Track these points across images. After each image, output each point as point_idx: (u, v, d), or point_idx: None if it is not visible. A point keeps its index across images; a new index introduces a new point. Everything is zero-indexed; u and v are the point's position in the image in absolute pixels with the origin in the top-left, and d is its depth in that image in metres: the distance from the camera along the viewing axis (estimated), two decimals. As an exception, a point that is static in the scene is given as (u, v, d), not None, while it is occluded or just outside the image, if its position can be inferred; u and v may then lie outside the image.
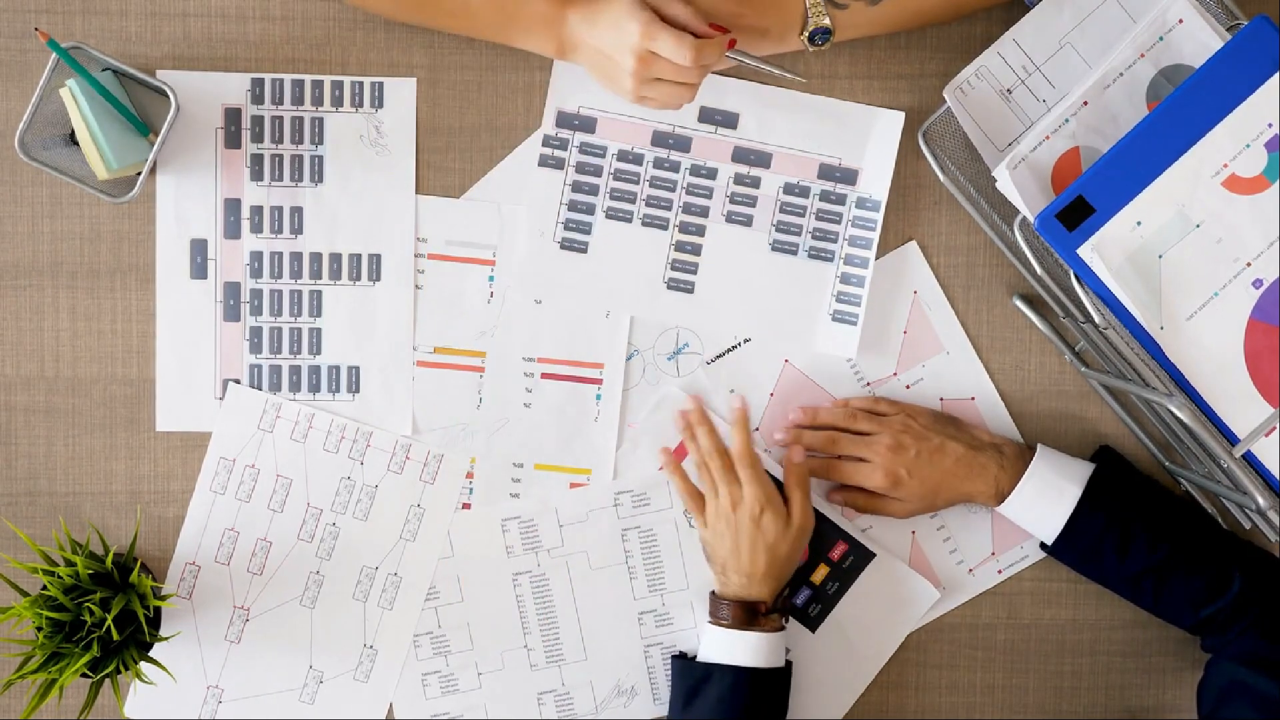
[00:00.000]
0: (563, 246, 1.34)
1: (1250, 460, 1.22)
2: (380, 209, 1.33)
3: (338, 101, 1.33)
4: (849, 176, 1.33)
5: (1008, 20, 1.28)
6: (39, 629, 1.22)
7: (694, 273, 1.34)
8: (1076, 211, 1.19)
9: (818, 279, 1.34)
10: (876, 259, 1.33)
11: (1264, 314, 1.20)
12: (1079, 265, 1.20)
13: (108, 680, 1.24)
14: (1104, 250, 1.19)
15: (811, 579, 1.35)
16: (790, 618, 1.35)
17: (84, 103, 1.24)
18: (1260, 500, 1.19)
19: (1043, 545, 1.33)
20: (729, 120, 1.33)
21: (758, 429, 1.35)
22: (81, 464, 1.34)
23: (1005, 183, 1.23)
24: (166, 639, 1.30)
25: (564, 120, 1.33)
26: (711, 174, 1.33)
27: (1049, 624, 1.37)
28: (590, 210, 1.33)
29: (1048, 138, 1.22)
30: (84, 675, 1.22)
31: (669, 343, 1.35)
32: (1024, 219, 1.24)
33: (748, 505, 1.28)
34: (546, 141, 1.33)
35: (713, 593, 1.32)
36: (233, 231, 1.33)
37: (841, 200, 1.34)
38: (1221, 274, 1.20)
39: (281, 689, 1.35)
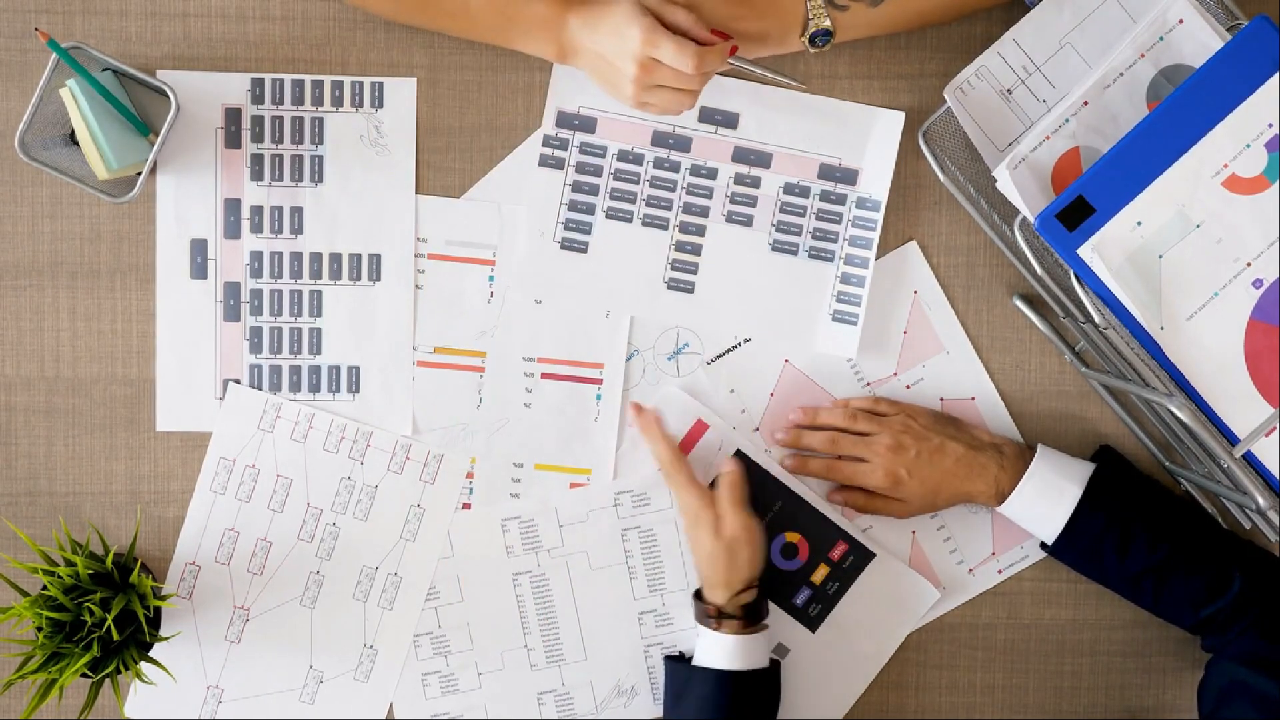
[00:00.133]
0: (563, 246, 1.34)
1: (1250, 460, 1.22)
2: (380, 209, 1.33)
3: (338, 101, 1.33)
4: (849, 176, 1.33)
5: (1008, 20, 1.28)
6: (39, 629, 1.22)
7: (694, 273, 1.34)
8: (1076, 211, 1.19)
9: (818, 279, 1.34)
10: (876, 259, 1.33)
11: (1264, 314, 1.20)
12: (1079, 265, 1.20)
13: (108, 680, 1.24)
14: (1104, 250, 1.19)
15: (812, 579, 1.35)
16: (793, 618, 1.35)
17: (84, 103, 1.24)
18: (1260, 500, 1.19)
19: (1043, 545, 1.33)
20: (729, 120, 1.33)
21: (758, 429, 1.35)
22: (81, 464, 1.34)
23: (1005, 183, 1.23)
24: (166, 639, 1.30)
25: (564, 120, 1.33)
26: (712, 174, 1.33)
27: (1049, 624, 1.37)
28: (590, 210, 1.33)
29: (1048, 138, 1.22)
30: (84, 675, 1.22)
31: (669, 343, 1.35)
32: (1024, 219, 1.24)
33: (683, 516, 1.31)
34: (547, 141, 1.33)
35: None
36: (233, 231, 1.33)
37: (842, 200, 1.34)
38: (1221, 274, 1.20)
39: (281, 689, 1.35)
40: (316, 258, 1.34)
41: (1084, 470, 1.29)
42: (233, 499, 1.34)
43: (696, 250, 1.34)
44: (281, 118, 1.33)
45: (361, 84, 1.33)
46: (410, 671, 1.35)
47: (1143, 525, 1.27)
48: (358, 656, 1.35)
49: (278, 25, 1.32)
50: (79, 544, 1.25)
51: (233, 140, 1.33)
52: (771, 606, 1.35)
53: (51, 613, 1.20)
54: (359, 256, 1.34)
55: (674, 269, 1.34)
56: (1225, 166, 1.18)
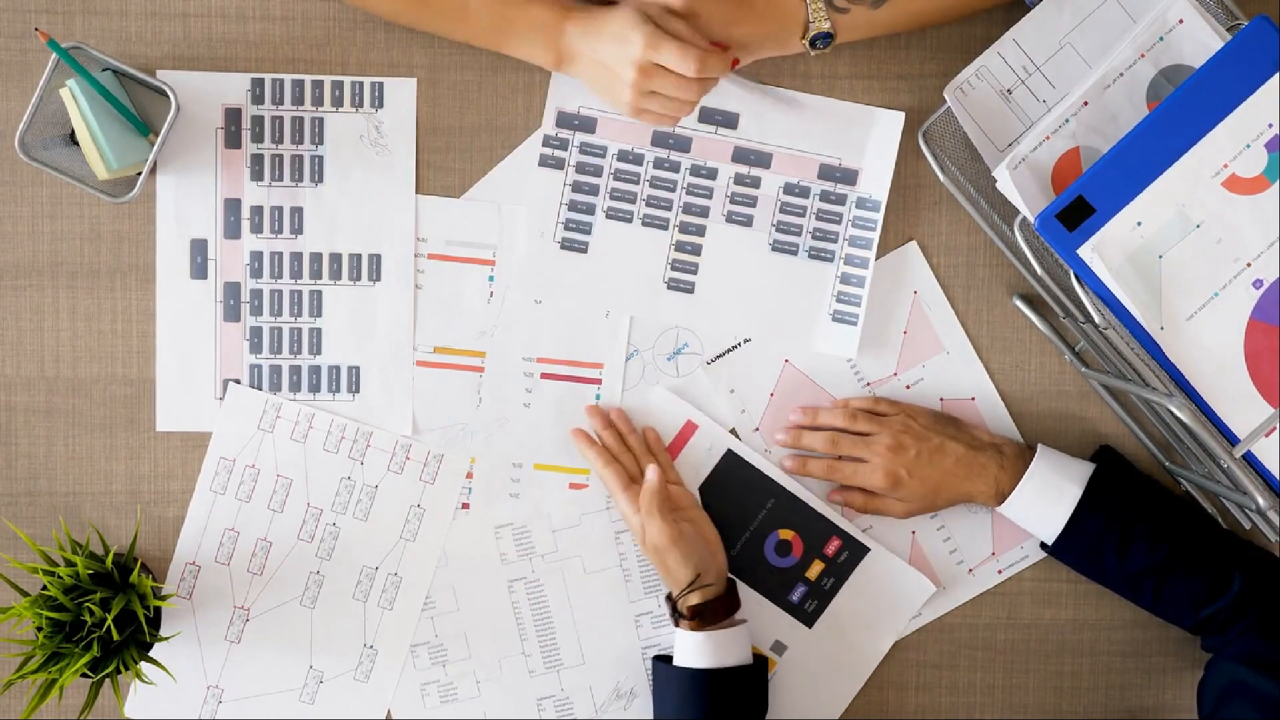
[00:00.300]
0: (563, 246, 1.34)
1: (1250, 460, 1.22)
2: (380, 209, 1.33)
3: (338, 101, 1.33)
4: (849, 176, 1.33)
5: (1008, 20, 1.28)
6: (39, 629, 1.22)
7: (694, 273, 1.34)
8: (1076, 211, 1.18)
9: (818, 279, 1.34)
10: (876, 259, 1.33)
11: (1264, 314, 1.20)
12: (1079, 265, 1.19)
13: (108, 680, 1.24)
14: (1104, 250, 1.19)
15: (807, 575, 1.35)
16: (789, 615, 1.35)
17: (84, 103, 1.24)
18: (1260, 500, 1.19)
19: (1043, 545, 1.33)
20: (729, 120, 1.33)
21: (758, 429, 1.35)
22: (81, 464, 1.34)
23: (1005, 183, 1.23)
24: (166, 639, 1.30)
25: (564, 120, 1.33)
26: (711, 174, 1.33)
27: (1049, 624, 1.37)
28: (590, 210, 1.33)
29: (1048, 138, 1.22)
30: (84, 675, 1.22)
31: (669, 343, 1.35)
32: (1024, 219, 1.24)
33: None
34: (546, 141, 1.33)
35: None
36: (233, 231, 1.33)
37: (841, 200, 1.34)
38: (1221, 274, 1.20)
39: (281, 689, 1.35)
40: (316, 258, 1.34)
41: (1084, 470, 1.29)
42: (233, 499, 1.34)
43: (696, 250, 1.34)
44: (281, 118, 1.33)
45: (361, 84, 1.33)
46: (408, 681, 1.35)
47: (1143, 525, 1.27)
48: (358, 656, 1.35)
49: (278, 25, 1.32)
50: (79, 544, 1.25)
51: (233, 140, 1.33)
52: (767, 604, 1.35)
53: (51, 613, 1.20)
54: (359, 256, 1.34)
55: (674, 269, 1.34)
56: (1225, 166, 1.18)
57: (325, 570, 1.35)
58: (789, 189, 1.33)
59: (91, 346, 1.34)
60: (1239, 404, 1.21)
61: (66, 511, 1.34)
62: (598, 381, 1.34)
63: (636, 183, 1.33)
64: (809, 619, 1.36)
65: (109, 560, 1.23)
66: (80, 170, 1.27)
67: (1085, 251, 1.19)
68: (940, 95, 1.28)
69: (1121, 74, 1.22)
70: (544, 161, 1.33)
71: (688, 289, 1.34)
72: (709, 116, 1.33)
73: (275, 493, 1.34)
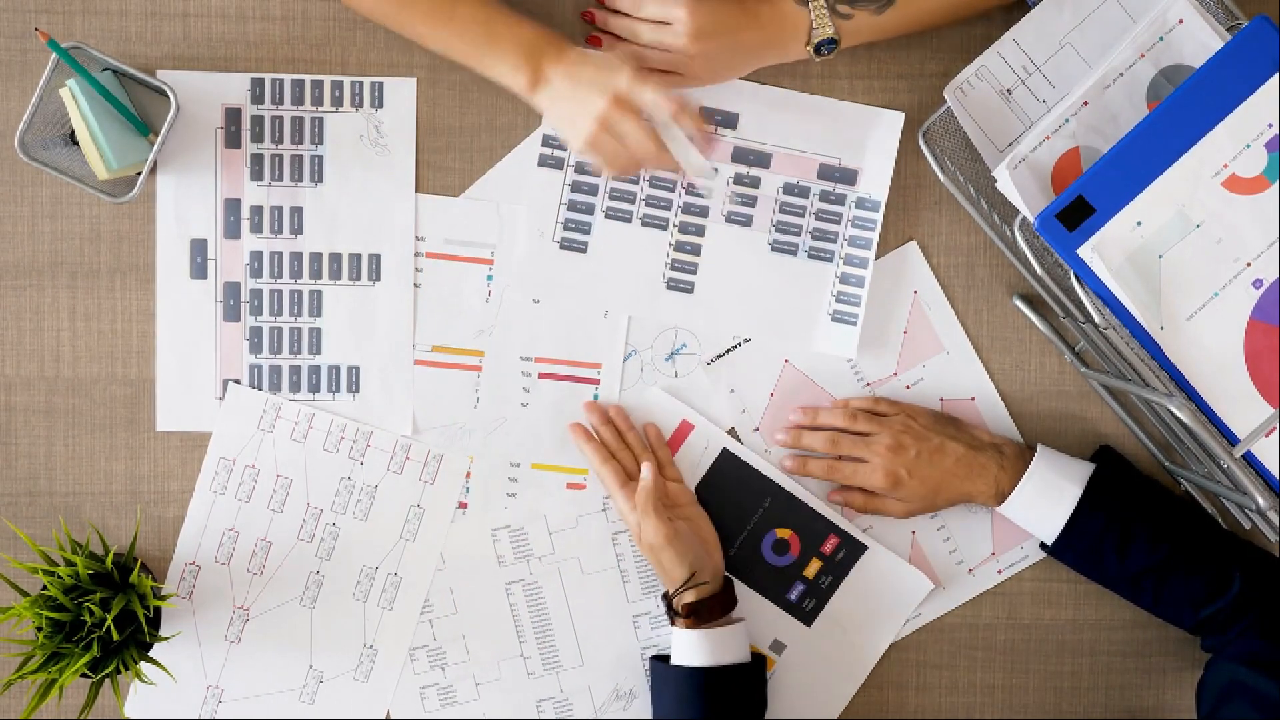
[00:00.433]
0: (562, 246, 1.34)
1: (1250, 460, 1.22)
2: (380, 209, 1.33)
3: (338, 101, 1.33)
4: (849, 176, 1.33)
5: (1008, 20, 1.28)
6: (39, 629, 1.22)
7: (693, 273, 1.34)
8: (1076, 211, 1.18)
9: (817, 279, 1.34)
10: (876, 259, 1.33)
11: (1264, 314, 1.20)
12: (1079, 265, 1.19)
13: (108, 680, 1.24)
14: (1104, 250, 1.19)
15: (804, 574, 1.35)
16: (787, 613, 1.35)
17: (84, 103, 1.24)
18: (1260, 500, 1.19)
19: (1043, 545, 1.33)
20: (729, 120, 1.33)
21: (758, 429, 1.35)
22: (81, 464, 1.34)
23: (1005, 183, 1.23)
24: (166, 639, 1.30)
25: (564, 120, 1.33)
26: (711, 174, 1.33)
27: (1049, 624, 1.37)
28: (590, 210, 1.33)
29: (1048, 138, 1.22)
30: (84, 675, 1.22)
31: (667, 343, 1.35)
32: (1024, 219, 1.24)
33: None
34: (546, 141, 1.33)
35: None
36: (233, 231, 1.33)
37: (841, 200, 1.34)
38: (1221, 274, 1.20)
39: (281, 689, 1.35)
40: (316, 258, 1.34)
41: (1084, 470, 1.29)
42: (233, 499, 1.34)
43: (696, 250, 1.34)
44: (281, 118, 1.33)
45: (361, 84, 1.33)
46: (408, 685, 1.35)
47: (1143, 525, 1.27)
48: (357, 656, 1.35)
49: (278, 25, 1.32)
50: (79, 544, 1.25)
51: (233, 140, 1.33)
52: (765, 603, 1.35)
53: (51, 613, 1.20)
54: (359, 256, 1.34)
55: (673, 269, 1.34)
56: (1225, 166, 1.18)
57: (325, 570, 1.35)
58: (788, 189, 1.33)
59: (91, 346, 1.34)
60: (1239, 404, 1.21)
61: (66, 511, 1.34)
62: (596, 381, 1.34)
63: (636, 182, 1.33)
64: (807, 618, 1.36)
65: (109, 560, 1.24)
66: (80, 170, 1.28)
67: (1085, 251, 1.19)
68: (940, 95, 1.28)
69: (1121, 74, 1.22)
70: (543, 161, 1.33)
71: (687, 289, 1.34)
72: (709, 116, 1.33)
73: (275, 493, 1.34)
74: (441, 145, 1.33)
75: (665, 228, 1.34)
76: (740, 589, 1.35)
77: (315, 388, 1.34)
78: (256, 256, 1.34)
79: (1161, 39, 1.21)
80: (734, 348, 1.35)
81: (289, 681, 1.35)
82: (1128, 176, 1.18)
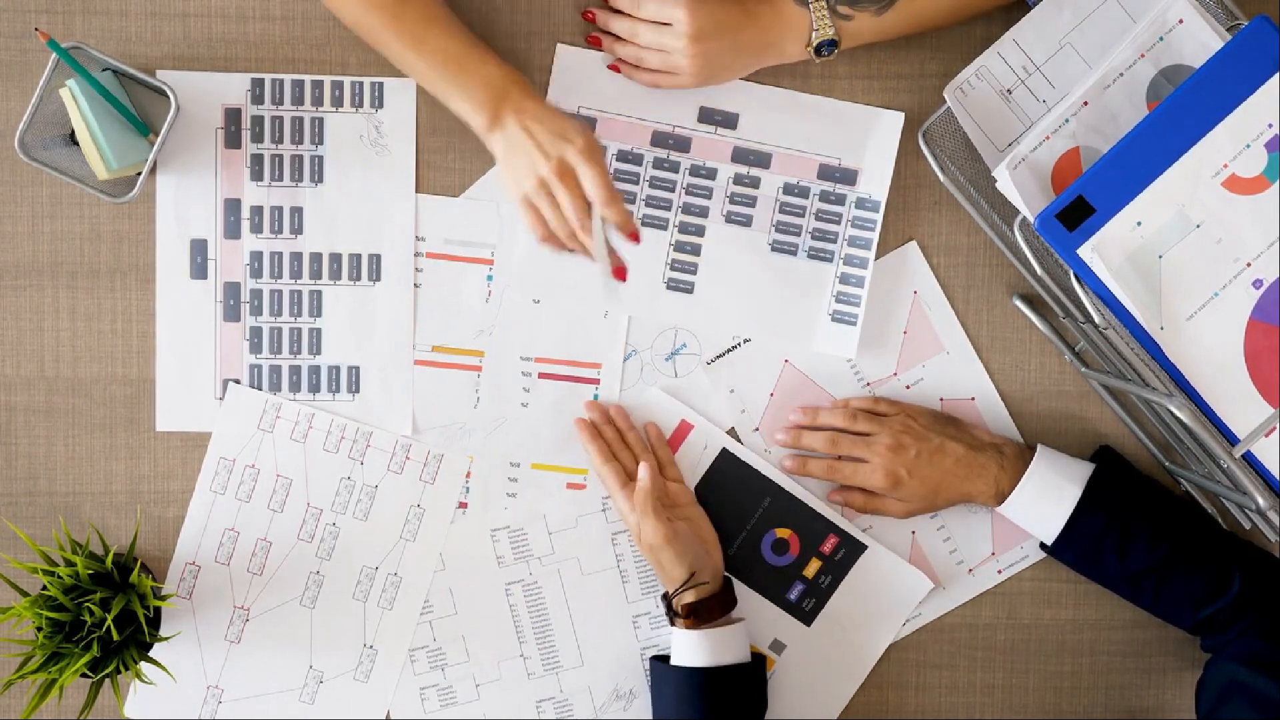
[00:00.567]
0: (562, 246, 1.34)
1: (1250, 460, 1.22)
2: (380, 209, 1.33)
3: (338, 101, 1.33)
4: (849, 177, 1.33)
5: (1008, 21, 1.28)
6: (39, 629, 1.22)
7: (693, 273, 1.34)
8: (1076, 211, 1.18)
9: (817, 279, 1.34)
10: (876, 259, 1.33)
11: (1264, 314, 1.20)
12: (1079, 265, 1.19)
13: (108, 680, 1.24)
14: (1104, 250, 1.19)
15: (804, 573, 1.35)
16: (787, 613, 1.35)
17: (84, 103, 1.24)
18: (1260, 500, 1.19)
19: (1043, 545, 1.32)
20: (729, 120, 1.33)
21: (758, 429, 1.35)
22: (81, 464, 1.34)
23: (1005, 183, 1.23)
24: (166, 639, 1.30)
25: (564, 120, 1.33)
26: (711, 174, 1.33)
27: (1049, 624, 1.37)
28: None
29: (1048, 138, 1.22)
30: (84, 675, 1.22)
31: (667, 343, 1.35)
32: (1024, 219, 1.24)
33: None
34: (546, 141, 1.33)
35: None
36: (233, 231, 1.33)
37: (841, 200, 1.33)
38: (1221, 274, 1.20)
39: (281, 689, 1.35)
40: (316, 258, 1.34)
41: (1084, 470, 1.29)
42: (233, 499, 1.34)
43: (696, 250, 1.34)
44: (281, 118, 1.33)
45: (361, 84, 1.33)
46: (408, 685, 1.35)
47: (1142, 525, 1.27)
48: (357, 656, 1.35)
49: (278, 25, 1.32)
50: (79, 544, 1.25)
51: (233, 140, 1.33)
52: (765, 602, 1.35)
53: (51, 613, 1.20)
54: (359, 256, 1.34)
55: (673, 269, 1.34)
56: (1225, 166, 1.18)
57: (325, 570, 1.35)
58: (788, 189, 1.33)
59: (91, 346, 1.34)
60: (1239, 404, 1.21)
61: (66, 511, 1.34)
62: (596, 381, 1.34)
63: (636, 182, 1.33)
64: (807, 617, 1.36)
65: (109, 560, 1.24)
66: (80, 170, 1.28)
67: (1085, 251, 1.19)
68: (940, 95, 1.28)
69: (1121, 74, 1.22)
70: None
71: (687, 289, 1.34)
72: (709, 116, 1.33)
73: (275, 493, 1.34)
74: (441, 145, 1.34)
75: (665, 228, 1.34)
76: (740, 589, 1.35)
77: (315, 388, 1.34)
78: (256, 256, 1.34)
79: (1161, 39, 1.21)
80: (734, 348, 1.35)
81: (289, 681, 1.35)
82: (1128, 176, 1.18)
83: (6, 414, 1.34)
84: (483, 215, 1.34)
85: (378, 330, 1.34)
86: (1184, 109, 1.17)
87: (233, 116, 1.33)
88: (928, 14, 1.27)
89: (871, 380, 1.35)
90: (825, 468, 1.33)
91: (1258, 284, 1.20)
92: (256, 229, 1.33)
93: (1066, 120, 1.22)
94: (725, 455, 1.35)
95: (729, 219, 1.34)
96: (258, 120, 1.33)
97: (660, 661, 1.31)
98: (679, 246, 1.34)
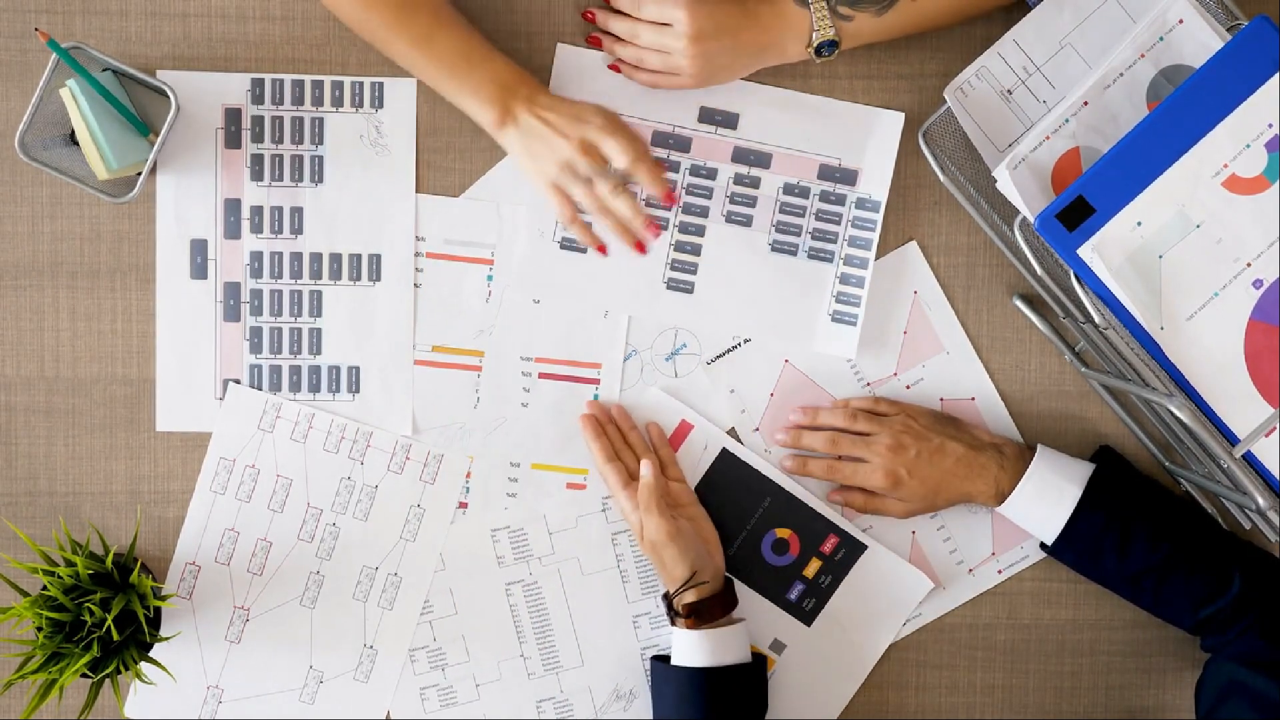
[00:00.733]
0: (562, 246, 1.34)
1: (1250, 460, 1.22)
2: (380, 209, 1.33)
3: (338, 101, 1.33)
4: (849, 177, 1.33)
5: (1008, 21, 1.28)
6: (39, 629, 1.22)
7: (693, 273, 1.34)
8: (1076, 211, 1.18)
9: (817, 279, 1.34)
10: (876, 259, 1.33)
11: (1264, 314, 1.20)
12: (1079, 265, 1.19)
13: (108, 680, 1.24)
14: (1104, 250, 1.19)
15: (804, 573, 1.35)
16: (787, 613, 1.35)
17: (84, 103, 1.24)
18: (1260, 500, 1.19)
19: (1043, 545, 1.33)
20: (729, 120, 1.33)
21: (758, 429, 1.35)
22: (81, 464, 1.34)
23: (1005, 183, 1.23)
24: (166, 639, 1.30)
25: (564, 120, 1.33)
26: (711, 174, 1.33)
27: (1049, 624, 1.37)
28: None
29: (1048, 138, 1.22)
30: (84, 675, 1.22)
31: (667, 343, 1.35)
32: (1024, 219, 1.24)
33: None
34: (546, 141, 1.33)
35: None
36: (233, 231, 1.33)
37: (841, 200, 1.33)
38: (1221, 274, 1.20)
39: (281, 689, 1.35)
40: (316, 258, 1.34)
41: (1084, 470, 1.29)
42: (233, 499, 1.34)
43: (696, 250, 1.34)
44: (281, 118, 1.33)
45: (361, 84, 1.33)
46: (408, 685, 1.35)
47: (1143, 525, 1.27)
48: (358, 656, 1.35)
49: (278, 25, 1.32)
50: (79, 544, 1.25)
51: (233, 140, 1.33)
52: (765, 602, 1.35)
53: (51, 613, 1.20)
54: (359, 256, 1.34)
55: (673, 269, 1.34)
56: (1225, 166, 1.18)
57: (325, 570, 1.35)
58: (789, 189, 1.33)
59: (91, 346, 1.34)
60: (1239, 404, 1.21)
61: (66, 511, 1.34)
62: (596, 381, 1.34)
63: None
64: (807, 617, 1.36)
65: (109, 560, 1.24)
66: (80, 170, 1.28)
67: (1085, 251, 1.19)
68: (940, 95, 1.28)
69: (1121, 74, 1.22)
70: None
71: (687, 289, 1.34)
72: (709, 116, 1.33)
73: (275, 493, 1.34)
74: (441, 145, 1.33)
75: (665, 227, 1.34)
76: (740, 589, 1.35)
77: (315, 388, 1.34)
78: (256, 256, 1.34)
79: (1161, 39, 1.21)
80: (734, 348, 1.35)
81: (289, 681, 1.35)
82: (1128, 176, 1.18)
83: (6, 414, 1.34)
84: (483, 215, 1.34)
85: (378, 330, 1.34)
86: (1184, 109, 1.17)
87: (233, 116, 1.33)
88: (928, 14, 1.27)
89: (871, 380, 1.35)
90: (825, 468, 1.33)
91: (1258, 284, 1.20)
92: (257, 229, 1.33)
93: (1066, 120, 1.22)
94: (725, 455, 1.35)
95: (729, 219, 1.34)
96: (258, 120, 1.33)
97: (661, 661, 1.31)
98: (679, 246, 1.34)
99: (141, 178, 1.26)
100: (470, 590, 1.35)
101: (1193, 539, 1.28)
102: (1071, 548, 1.29)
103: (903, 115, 1.32)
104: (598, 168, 1.23)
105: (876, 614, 1.36)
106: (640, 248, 1.30)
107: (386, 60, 1.32)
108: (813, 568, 1.35)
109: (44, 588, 1.23)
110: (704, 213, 1.34)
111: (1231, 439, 1.21)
